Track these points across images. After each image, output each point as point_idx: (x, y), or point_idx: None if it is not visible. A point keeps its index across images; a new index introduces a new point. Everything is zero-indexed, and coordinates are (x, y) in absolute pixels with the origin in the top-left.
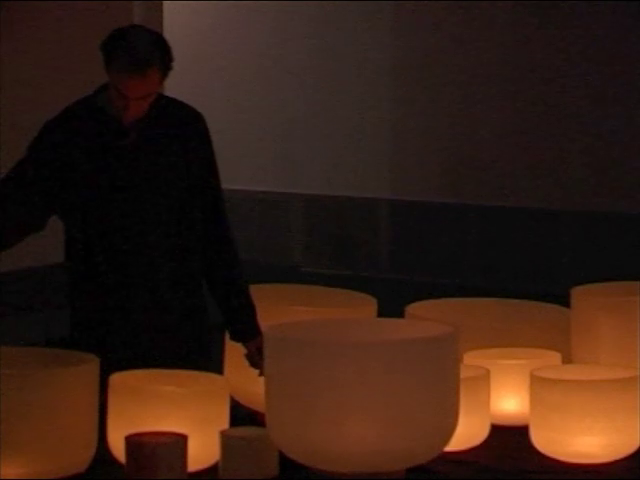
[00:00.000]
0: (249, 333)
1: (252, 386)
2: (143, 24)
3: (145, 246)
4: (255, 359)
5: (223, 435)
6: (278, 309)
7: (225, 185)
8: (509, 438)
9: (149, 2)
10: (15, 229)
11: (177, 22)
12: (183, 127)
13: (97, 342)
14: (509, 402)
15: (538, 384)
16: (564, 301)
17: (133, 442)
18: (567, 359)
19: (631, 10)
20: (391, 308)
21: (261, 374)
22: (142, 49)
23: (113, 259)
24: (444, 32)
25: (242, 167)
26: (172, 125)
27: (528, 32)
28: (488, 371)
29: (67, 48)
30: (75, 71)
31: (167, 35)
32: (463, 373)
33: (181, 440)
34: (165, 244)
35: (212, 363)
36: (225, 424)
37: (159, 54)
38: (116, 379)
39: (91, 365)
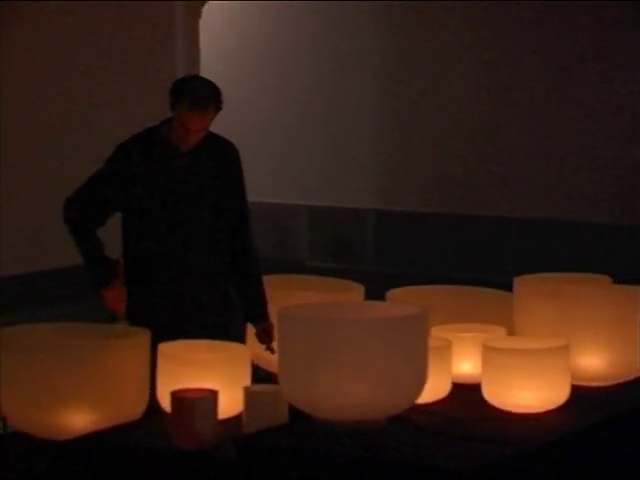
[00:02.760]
0: (258, 318)
1: (268, 354)
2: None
3: (188, 244)
4: (262, 338)
5: (246, 391)
6: (288, 294)
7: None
8: (466, 393)
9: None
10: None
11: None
12: (223, 156)
13: (144, 322)
14: (466, 365)
15: (488, 352)
16: (509, 288)
17: (176, 397)
18: (511, 332)
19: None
20: (376, 294)
21: (267, 349)
22: (202, 93)
23: (161, 253)
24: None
25: (259, 183)
26: (215, 153)
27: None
28: (450, 342)
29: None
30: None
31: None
32: (430, 343)
33: (213, 395)
34: (203, 244)
35: (237, 336)
36: (248, 382)
37: (214, 98)
38: (164, 348)
39: (144, 337)
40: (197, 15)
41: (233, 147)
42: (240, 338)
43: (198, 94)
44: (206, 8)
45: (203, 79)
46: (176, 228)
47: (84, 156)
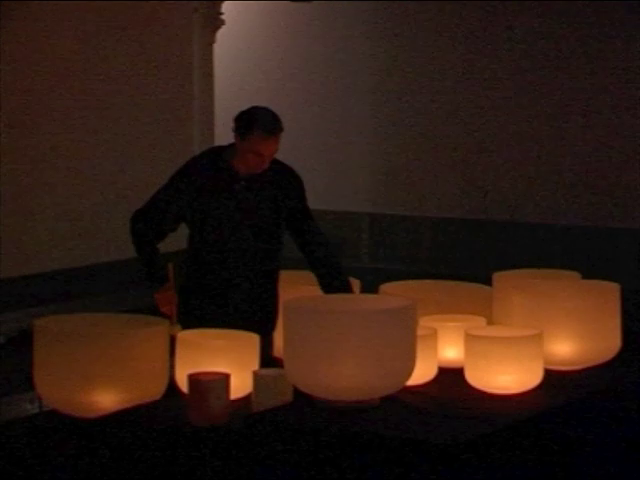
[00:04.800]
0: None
1: (276, 340)
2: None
3: (241, 255)
4: None
5: (255, 374)
6: (293, 288)
7: None
8: (450, 377)
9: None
10: (159, 238)
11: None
12: (280, 179)
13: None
14: (450, 352)
15: (470, 339)
16: (488, 282)
17: (193, 379)
18: (490, 322)
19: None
20: (370, 288)
21: None
22: (272, 120)
23: (219, 259)
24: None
25: None
26: (272, 177)
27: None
28: (436, 330)
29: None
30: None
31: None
32: (419, 332)
33: (226, 377)
34: (253, 255)
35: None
36: (256, 366)
37: (281, 124)
38: (182, 336)
39: (164, 326)
40: (212, 40)
41: (293, 171)
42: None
43: (269, 123)
44: (220, 32)
45: (264, 108)
46: (232, 243)
47: (97, 170)
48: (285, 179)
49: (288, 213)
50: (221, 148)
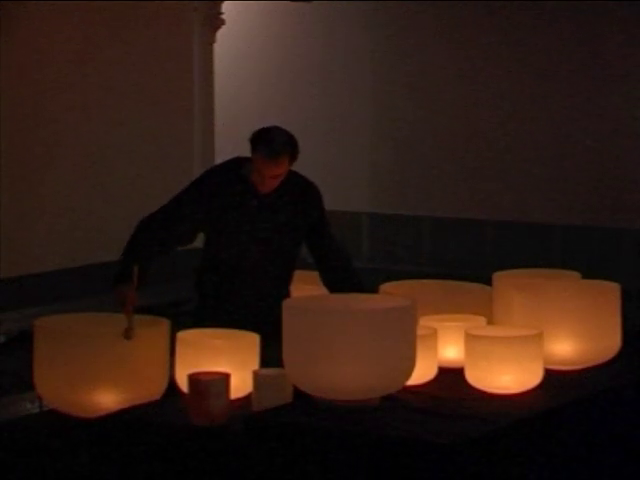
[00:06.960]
0: None
1: None
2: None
3: (252, 269)
4: None
5: (255, 374)
6: (293, 287)
7: None
8: (450, 376)
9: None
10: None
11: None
12: (301, 197)
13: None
14: (450, 351)
15: (470, 339)
16: (488, 282)
17: (193, 379)
18: (490, 322)
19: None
20: (370, 288)
21: None
22: (278, 144)
23: (231, 270)
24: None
25: None
26: (293, 195)
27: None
28: (436, 330)
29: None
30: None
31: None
32: (419, 331)
33: (226, 377)
34: (265, 270)
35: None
36: (256, 366)
37: (289, 149)
38: (182, 335)
39: (163, 326)
40: (212, 40)
41: (314, 188)
42: None
43: (273, 144)
44: (221, 32)
45: (280, 129)
46: (245, 253)
47: (100, 171)
48: (303, 196)
49: (306, 230)
50: (243, 161)
